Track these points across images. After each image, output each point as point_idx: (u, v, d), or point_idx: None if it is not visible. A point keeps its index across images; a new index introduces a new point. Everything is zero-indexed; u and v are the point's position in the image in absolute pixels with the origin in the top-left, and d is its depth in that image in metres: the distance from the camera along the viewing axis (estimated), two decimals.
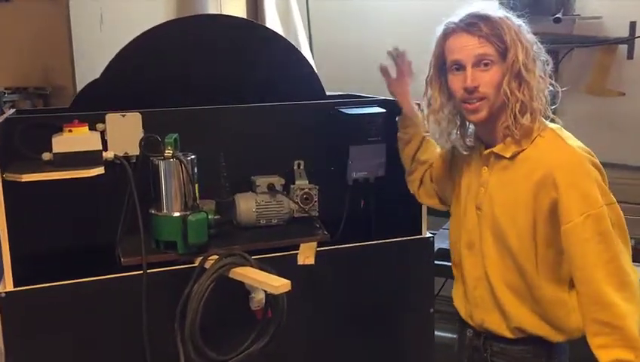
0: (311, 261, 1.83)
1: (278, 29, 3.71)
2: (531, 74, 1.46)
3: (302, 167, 2.10)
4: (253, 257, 1.77)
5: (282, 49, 2.27)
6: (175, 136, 1.82)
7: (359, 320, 2.00)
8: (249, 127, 2.05)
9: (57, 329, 1.69)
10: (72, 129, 1.74)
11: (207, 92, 2.08)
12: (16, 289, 1.65)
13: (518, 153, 1.51)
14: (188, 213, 1.78)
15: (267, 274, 1.69)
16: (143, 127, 1.90)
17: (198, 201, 1.83)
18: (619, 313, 1.37)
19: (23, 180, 1.63)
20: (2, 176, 1.63)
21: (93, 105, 1.96)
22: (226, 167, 1.98)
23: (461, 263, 1.68)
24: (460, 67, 1.50)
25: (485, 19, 1.46)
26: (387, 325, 2.05)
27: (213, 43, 2.16)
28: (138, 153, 1.85)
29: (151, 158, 1.81)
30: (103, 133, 1.85)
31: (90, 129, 1.80)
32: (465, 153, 1.65)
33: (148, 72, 2.06)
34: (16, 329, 1.64)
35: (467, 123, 1.63)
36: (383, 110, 2.07)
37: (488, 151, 1.57)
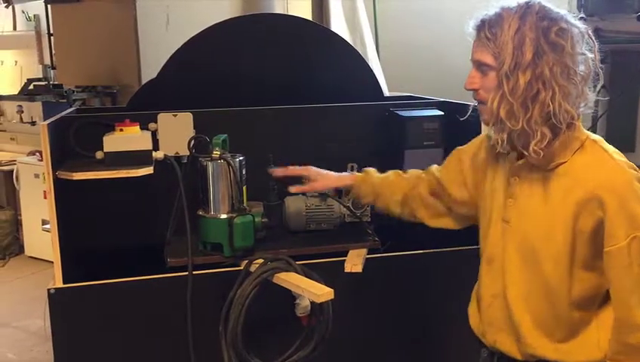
0: (358, 269, 1.77)
1: (344, 29, 3.67)
2: (518, 77, 1.30)
3: (355, 170, 2.03)
4: (301, 262, 1.72)
5: (340, 49, 2.23)
6: (224, 137, 1.80)
7: (407, 331, 1.92)
8: (301, 129, 2.01)
9: (103, 326, 1.71)
10: (124, 128, 1.76)
11: (261, 92, 2.06)
12: (65, 285, 1.68)
13: (557, 166, 1.37)
14: (235, 215, 1.76)
15: (310, 281, 1.64)
16: (195, 127, 1.89)
17: (246, 204, 1.81)
18: None
19: (74, 178, 1.66)
20: (55, 174, 1.67)
21: (149, 104, 1.98)
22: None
23: (479, 277, 1.56)
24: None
25: (488, 24, 1.34)
26: (435, 338, 1.95)
27: (270, 43, 2.14)
28: (188, 153, 1.84)
29: (199, 159, 1.80)
30: (155, 133, 1.87)
31: (142, 128, 1.82)
32: (502, 151, 1.47)
33: (203, 72, 2.06)
34: (63, 325, 1.68)
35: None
36: (441, 113, 1.98)
37: (522, 161, 1.41)
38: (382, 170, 2.03)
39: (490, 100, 1.34)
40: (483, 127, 1.61)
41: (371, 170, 1.82)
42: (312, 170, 1.81)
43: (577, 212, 1.32)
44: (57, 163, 1.70)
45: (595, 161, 1.34)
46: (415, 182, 1.75)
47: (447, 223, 1.73)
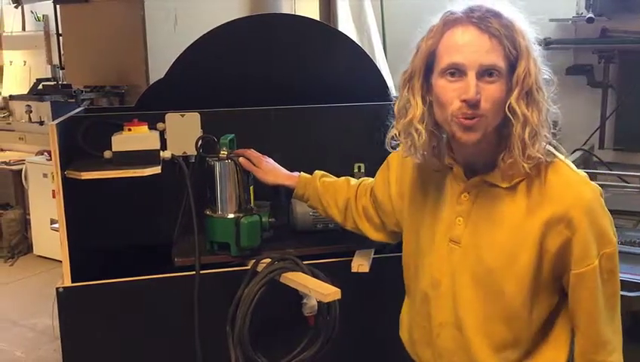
0: (365, 269, 1.77)
1: (351, 29, 3.67)
2: (542, 94, 1.19)
3: (362, 171, 2.03)
4: (308, 262, 1.72)
5: (347, 49, 2.22)
6: (231, 136, 1.80)
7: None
8: (308, 129, 2.01)
9: (111, 324, 1.72)
10: (132, 128, 1.76)
11: (268, 92, 2.06)
12: (73, 284, 1.69)
13: (519, 183, 1.24)
14: (242, 215, 1.76)
15: (317, 280, 1.64)
16: (202, 127, 1.90)
17: (253, 204, 1.81)
18: (611, 349, 1.29)
19: (82, 178, 1.67)
20: (64, 174, 1.67)
21: (157, 104, 1.99)
22: None
23: (420, 303, 1.41)
24: (457, 72, 1.18)
25: (497, 15, 1.16)
26: None
27: (277, 43, 2.14)
28: (195, 153, 1.85)
29: (207, 159, 1.81)
30: (163, 133, 1.87)
31: (150, 128, 1.83)
32: (436, 171, 1.37)
33: (210, 72, 2.07)
34: (72, 323, 1.68)
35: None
36: None
37: (478, 178, 1.28)
38: None
39: (493, 113, 1.18)
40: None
41: (320, 173, 1.73)
42: (264, 160, 1.74)
43: (545, 231, 1.21)
44: (66, 162, 1.71)
45: (562, 179, 1.23)
46: (361, 190, 1.63)
47: (384, 237, 1.62)
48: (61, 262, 4.78)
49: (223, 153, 1.78)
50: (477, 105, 1.17)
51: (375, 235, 1.64)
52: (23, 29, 5.87)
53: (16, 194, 5.69)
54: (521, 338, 1.30)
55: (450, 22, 1.19)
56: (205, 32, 2.07)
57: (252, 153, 1.76)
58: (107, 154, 1.80)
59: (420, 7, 4.09)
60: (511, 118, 1.18)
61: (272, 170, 1.75)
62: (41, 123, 5.56)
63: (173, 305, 1.75)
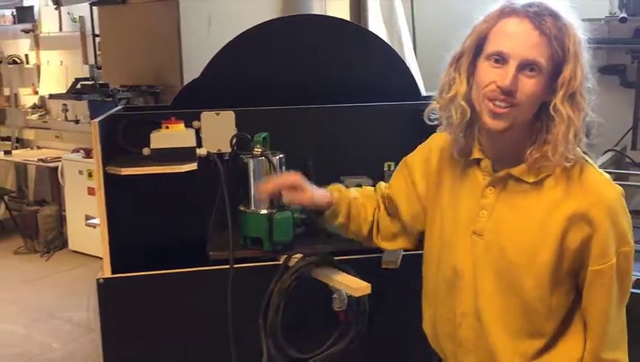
0: (395, 265, 1.80)
1: (382, 29, 3.69)
2: (584, 99, 1.22)
3: (392, 169, 2.06)
4: (338, 258, 1.76)
5: (378, 49, 2.25)
6: (265, 134, 1.85)
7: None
8: (340, 127, 2.05)
9: (148, 315, 1.78)
10: (169, 126, 1.82)
11: (300, 91, 2.10)
12: (113, 276, 1.75)
13: (545, 179, 1.26)
14: (274, 211, 1.81)
15: (348, 275, 1.68)
16: (237, 125, 1.95)
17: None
18: (615, 347, 1.32)
19: (122, 173, 1.73)
20: (105, 170, 1.74)
21: (192, 103, 2.05)
22: (313, 167, 1.99)
23: (438, 295, 1.44)
24: (501, 59, 1.21)
25: (554, 16, 1.19)
26: None
27: (309, 43, 2.18)
28: (230, 150, 1.90)
29: (241, 156, 1.86)
30: (198, 131, 1.93)
31: (186, 126, 1.88)
32: (459, 158, 1.38)
33: (245, 71, 2.12)
34: (111, 313, 1.75)
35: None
36: None
37: (504, 172, 1.30)
38: None
39: (526, 106, 1.22)
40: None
41: (338, 186, 1.63)
42: (300, 181, 1.54)
43: (567, 227, 1.24)
44: (106, 159, 1.77)
45: (587, 177, 1.26)
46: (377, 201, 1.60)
47: (402, 243, 1.62)
48: (95, 257, 4.91)
49: (257, 150, 1.83)
50: (512, 94, 1.20)
51: (388, 245, 1.64)
52: (60, 29, 6.02)
53: (52, 191, 5.83)
54: (539, 331, 1.32)
55: (507, 11, 1.22)
56: (238, 32, 2.13)
57: (290, 179, 1.56)
58: (145, 151, 1.86)
59: (451, 8, 4.11)
60: (555, 117, 1.21)
61: (313, 191, 1.58)
62: (77, 121, 5.69)
63: (208, 297, 1.80)
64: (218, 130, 1.92)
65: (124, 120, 1.94)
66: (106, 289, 1.73)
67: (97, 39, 5.36)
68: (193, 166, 1.79)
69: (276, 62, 2.16)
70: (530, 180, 1.27)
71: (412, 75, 2.30)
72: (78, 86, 4.50)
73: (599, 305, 1.28)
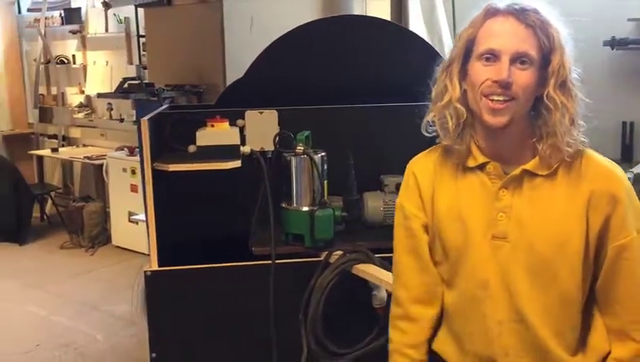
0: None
1: (422, 28, 3.69)
2: (575, 86, 1.25)
3: None
4: (377, 255, 1.78)
5: (418, 49, 2.26)
6: (307, 133, 1.88)
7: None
8: (380, 127, 2.07)
9: (192, 306, 1.83)
10: (215, 124, 1.87)
11: (341, 91, 2.13)
12: (159, 268, 1.81)
13: (557, 169, 1.28)
14: (316, 208, 1.84)
15: (388, 272, 1.70)
16: (280, 123, 1.99)
17: (326, 198, 1.89)
18: None
19: (170, 170, 1.79)
20: (153, 166, 1.80)
21: (236, 102, 2.10)
22: (353, 165, 2.01)
23: (469, 308, 1.35)
24: (493, 57, 1.24)
25: (536, 10, 1.24)
26: None
27: (350, 43, 2.21)
28: (272, 148, 1.94)
29: (283, 154, 1.90)
30: (242, 129, 1.98)
31: (230, 125, 1.93)
32: (456, 161, 1.35)
33: (287, 71, 2.16)
34: (157, 304, 1.81)
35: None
36: None
37: (519, 170, 1.29)
38: None
39: (522, 98, 1.23)
40: None
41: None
42: None
43: (588, 209, 1.26)
44: (154, 156, 1.83)
45: (594, 160, 1.29)
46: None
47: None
48: (137, 252, 5.01)
49: (299, 149, 1.86)
50: (508, 86, 1.22)
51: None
52: (106, 30, 6.17)
53: (97, 188, 6.00)
54: (576, 323, 1.32)
55: (490, 12, 1.26)
56: (279, 33, 2.17)
57: None
58: (191, 148, 1.91)
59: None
60: (550, 106, 1.24)
61: None
62: (121, 120, 5.83)
63: (250, 291, 1.84)
64: (262, 128, 1.96)
65: (172, 118, 1.99)
66: (152, 281, 1.79)
67: (142, 40, 5.49)
68: (237, 163, 1.83)
69: (318, 63, 2.19)
70: (544, 173, 1.28)
71: None
72: (125, 85, 4.61)
73: (627, 281, 1.28)
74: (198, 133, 1.86)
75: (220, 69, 3.29)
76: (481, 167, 1.33)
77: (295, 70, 2.15)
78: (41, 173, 6.52)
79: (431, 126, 1.38)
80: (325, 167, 1.92)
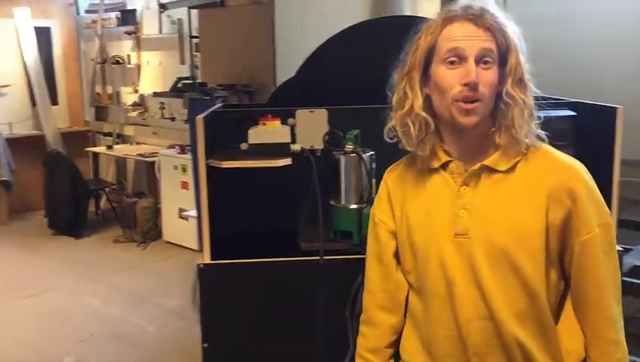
0: None
1: None
2: (529, 83, 1.30)
3: None
4: None
5: None
6: (356, 132, 1.91)
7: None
8: None
9: (242, 299, 1.89)
10: (266, 123, 1.92)
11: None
12: (212, 262, 1.87)
13: (516, 164, 1.31)
14: (364, 205, 1.87)
15: None
16: (329, 122, 2.03)
17: (374, 195, 1.91)
18: (620, 330, 1.33)
19: (223, 166, 1.85)
20: (207, 163, 1.86)
21: (286, 101, 2.14)
22: None
23: (439, 309, 1.35)
24: (457, 60, 1.26)
25: (491, 13, 1.28)
26: None
27: (400, 44, 2.22)
28: (322, 147, 1.98)
29: (333, 152, 1.93)
30: (293, 128, 2.02)
31: (282, 123, 1.98)
32: (421, 165, 1.38)
33: (337, 71, 2.19)
34: (210, 296, 1.87)
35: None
36: (573, 113, 1.96)
37: (478, 166, 1.31)
38: None
39: (488, 97, 1.27)
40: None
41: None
42: None
43: (548, 204, 1.28)
44: (208, 153, 1.89)
45: (552, 155, 1.32)
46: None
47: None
48: (187, 248, 5.17)
49: (348, 147, 1.89)
50: (477, 88, 1.25)
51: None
52: (160, 31, 6.34)
53: (149, 184, 6.17)
54: (545, 322, 1.32)
55: (448, 18, 1.29)
56: (330, 33, 2.20)
57: None
58: (243, 146, 1.97)
59: (542, 8, 4.02)
60: (509, 102, 1.27)
61: None
62: (173, 119, 5.99)
63: (298, 286, 1.88)
64: (312, 127, 2.00)
65: (225, 116, 2.05)
66: (205, 274, 1.85)
67: (194, 40, 5.62)
68: (288, 161, 1.87)
69: (367, 63, 2.21)
70: (503, 168, 1.31)
71: None
72: (180, 85, 4.73)
73: (593, 277, 1.30)
74: (250, 131, 1.91)
75: (270, 68, 3.34)
76: (444, 167, 1.36)
77: (345, 70, 2.18)
78: (96, 169, 6.75)
79: (392, 132, 1.41)
80: (374, 165, 1.94)
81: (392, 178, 1.46)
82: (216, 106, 2.24)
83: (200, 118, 1.82)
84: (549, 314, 1.32)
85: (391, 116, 1.40)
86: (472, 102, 1.26)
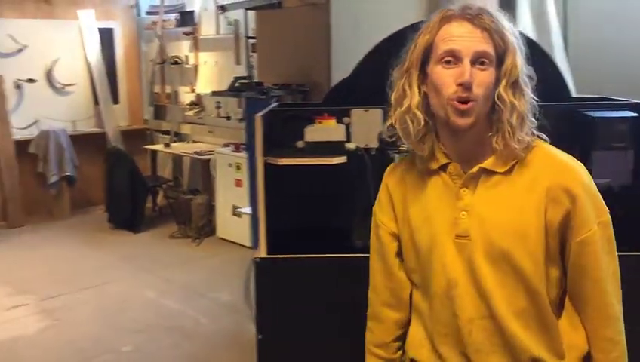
0: None
1: (530, 26, 3.61)
2: (526, 86, 1.29)
3: None
4: None
5: (527, 48, 2.24)
6: None
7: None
8: None
9: (297, 292, 1.93)
10: (322, 121, 1.96)
11: None
12: (268, 256, 1.92)
13: (513, 166, 1.31)
14: None
15: None
16: (384, 121, 2.04)
17: None
18: (620, 328, 1.34)
19: (280, 163, 1.90)
20: (264, 160, 1.91)
21: (342, 100, 2.18)
22: None
23: (440, 309, 1.37)
24: (453, 60, 1.27)
25: (489, 14, 1.28)
26: None
27: None
28: (377, 146, 2.00)
29: (387, 151, 1.95)
30: (348, 126, 2.06)
31: (337, 122, 2.01)
32: (422, 170, 1.38)
33: (391, 71, 2.20)
34: (265, 289, 1.93)
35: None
36: (635, 114, 1.93)
37: (476, 169, 1.32)
38: None
39: (483, 98, 1.26)
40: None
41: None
42: None
43: (546, 204, 1.28)
44: (265, 150, 1.94)
45: (550, 154, 1.32)
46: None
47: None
48: (240, 245, 5.24)
49: (402, 147, 1.91)
50: (470, 88, 1.25)
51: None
52: (217, 32, 6.48)
53: (204, 182, 6.32)
54: (546, 319, 1.33)
55: (446, 18, 1.29)
56: (385, 33, 2.21)
57: None
58: (299, 144, 2.01)
59: (604, 8, 3.91)
60: (500, 105, 1.27)
61: None
62: (228, 118, 6.11)
63: (351, 281, 1.90)
64: (366, 126, 2.03)
65: (283, 115, 2.10)
66: (261, 267, 1.91)
67: (250, 41, 5.72)
68: (343, 159, 1.91)
69: None
70: (501, 170, 1.31)
71: (562, 75, 2.26)
72: (237, 84, 4.82)
73: (592, 276, 1.31)
74: (306, 130, 1.95)
75: (325, 68, 3.38)
76: (444, 168, 1.36)
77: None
78: (154, 166, 6.95)
79: (391, 129, 1.40)
80: None
81: (392, 179, 1.47)
82: (273, 105, 2.29)
83: (258, 116, 1.88)
84: (550, 311, 1.34)
85: (390, 114, 1.40)
86: (466, 102, 1.25)
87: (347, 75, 2.32)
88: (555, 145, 1.98)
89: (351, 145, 2.00)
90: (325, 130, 1.95)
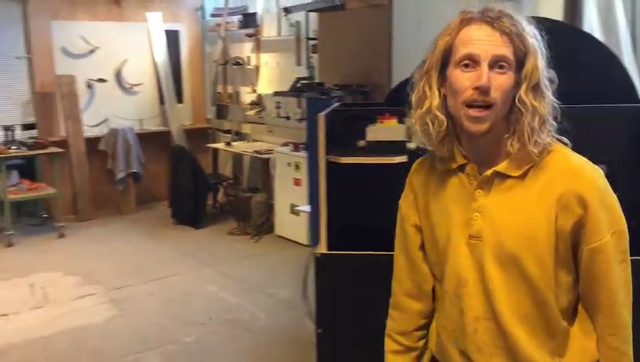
0: None
1: (597, 28, 3.53)
2: (547, 89, 1.28)
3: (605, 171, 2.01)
4: None
5: (593, 50, 2.21)
6: None
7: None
8: None
9: (356, 288, 1.98)
10: (384, 121, 1.99)
11: None
12: (328, 252, 1.97)
13: (528, 170, 1.30)
14: None
15: None
16: None
17: None
18: (628, 338, 1.34)
19: (342, 162, 1.94)
20: (326, 158, 1.96)
21: (403, 100, 2.20)
22: None
23: (449, 305, 1.40)
24: (471, 63, 1.26)
25: (510, 16, 1.26)
26: None
27: None
28: None
29: None
30: (409, 126, 2.08)
31: (398, 122, 2.04)
32: (442, 169, 1.40)
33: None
34: (325, 284, 1.97)
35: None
36: None
37: (490, 172, 1.32)
38: (636, 173, 1.98)
39: (501, 102, 1.25)
40: None
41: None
42: None
43: (558, 210, 1.27)
44: (327, 149, 1.99)
45: (567, 161, 1.30)
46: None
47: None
48: (297, 243, 5.32)
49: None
50: (488, 92, 1.24)
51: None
52: (279, 34, 6.59)
53: (263, 180, 6.44)
54: (553, 326, 1.33)
55: (466, 20, 1.28)
56: None
57: None
58: (361, 143, 2.05)
59: None
60: (521, 108, 1.26)
61: None
62: (288, 118, 6.20)
63: None
64: None
65: (345, 115, 2.15)
66: (321, 263, 1.96)
67: (311, 42, 5.79)
68: (404, 158, 1.94)
69: None
70: (515, 174, 1.31)
71: (630, 77, 2.21)
72: (299, 85, 4.89)
73: (604, 284, 1.30)
74: (368, 129, 1.99)
75: (385, 69, 3.41)
76: (462, 169, 1.37)
77: None
78: (215, 164, 7.12)
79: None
80: None
81: (416, 175, 1.50)
82: (334, 105, 2.34)
83: (322, 115, 1.92)
84: (559, 318, 1.33)
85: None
86: (483, 107, 1.25)
87: (409, 75, 2.34)
88: (628, 146, 1.96)
89: (412, 145, 2.03)
90: (387, 129, 1.98)
